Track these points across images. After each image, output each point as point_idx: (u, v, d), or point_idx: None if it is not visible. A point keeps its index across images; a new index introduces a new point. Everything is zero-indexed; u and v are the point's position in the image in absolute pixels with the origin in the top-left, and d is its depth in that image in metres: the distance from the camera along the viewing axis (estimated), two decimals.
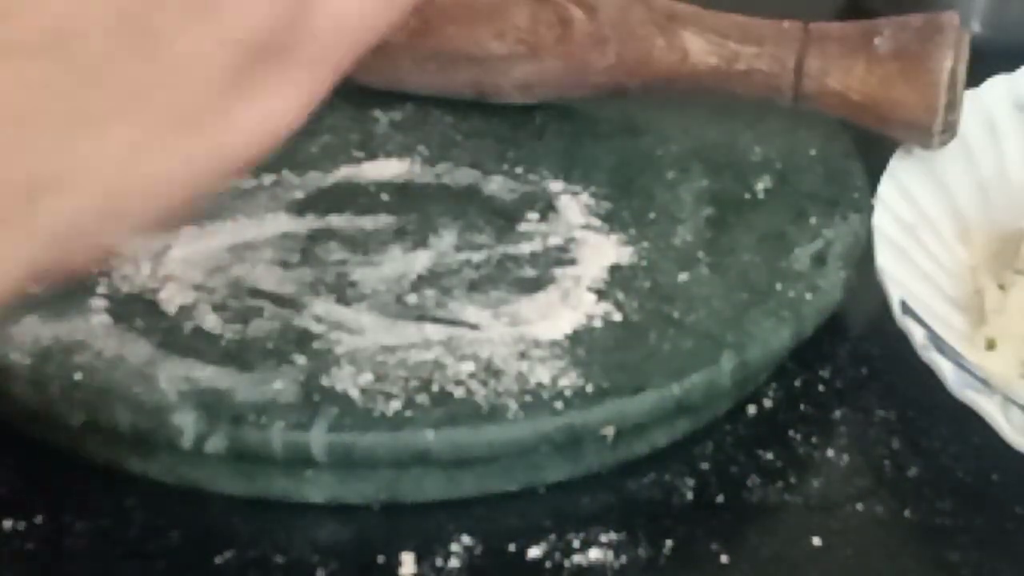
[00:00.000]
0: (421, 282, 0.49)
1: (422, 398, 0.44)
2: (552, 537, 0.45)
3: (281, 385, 0.44)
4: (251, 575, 0.44)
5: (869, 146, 0.55)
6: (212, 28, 0.31)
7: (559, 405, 0.44)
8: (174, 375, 0.44)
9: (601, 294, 0.49)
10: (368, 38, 0.33)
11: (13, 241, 0.30)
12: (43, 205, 0.30)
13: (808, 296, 0.49)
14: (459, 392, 0.44)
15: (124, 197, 0.31)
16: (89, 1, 0.30)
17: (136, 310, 0.47)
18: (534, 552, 0.45)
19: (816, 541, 0.46)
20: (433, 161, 0.54)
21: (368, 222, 0.51)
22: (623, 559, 0.45)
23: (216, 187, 0.33)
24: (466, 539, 0.45)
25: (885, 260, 0.50)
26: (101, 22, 0.30)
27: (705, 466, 0.48)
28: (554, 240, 0.51)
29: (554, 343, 0.46)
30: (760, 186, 0.54)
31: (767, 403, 0.50)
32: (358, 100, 0.56)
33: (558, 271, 0.49)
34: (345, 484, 0.45)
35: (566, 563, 0.44)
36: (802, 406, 0.50)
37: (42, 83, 0.29)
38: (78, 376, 0.44)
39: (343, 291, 0.48)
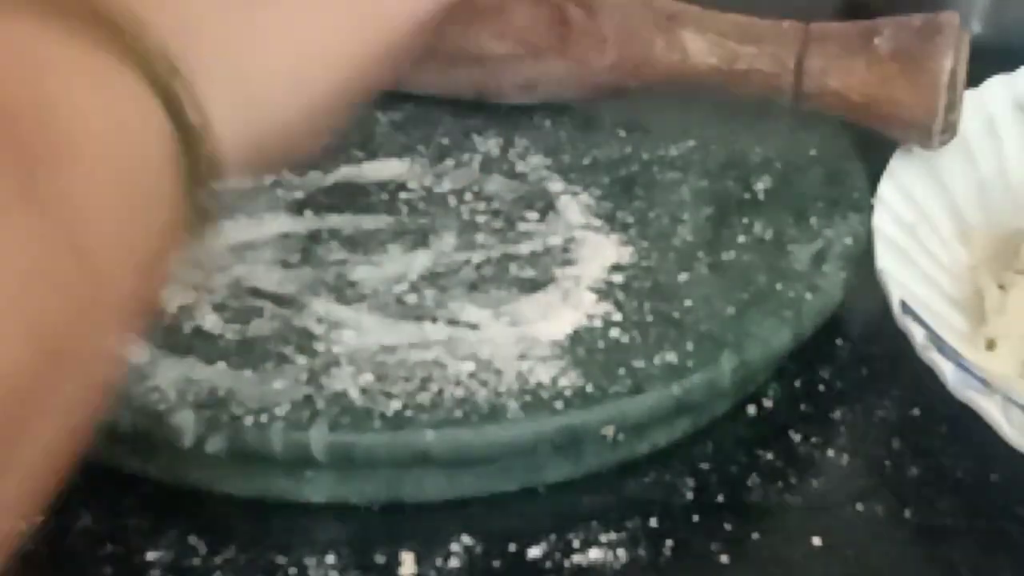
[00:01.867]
0: (421, 282, 0.49)
1: (422, 398, 0.44)
2: (552, 537, 0.45)
3: (281, 385, 0.44)
4: (251, 575, 0.44)
5: (869, 146, 0.55)
6: None
7: (559, 405, 0.44)
8: (174, 375, 0.44)
9: (601, 294, 0.49)
10: None
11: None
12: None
13: (808, 296, 0.49)
14: (459, 392, 0.44)
15: (309, 65, 0.35)
16: None
17: None
18: (534, 552, 0.45)
19: (816, 541, 0.46)
20: (433, 161, 0.54)
21: (368, 222, 0.51)
22: (623, 559, 0.45)
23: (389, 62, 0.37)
24: (466, 539, 0.45)
25: (885, 260, 0.50)
26: None
27: (705, 466, 0.48)
28: (554, 240, 0.51)
29: (554, 343, 0.46)
30: (760, 186, 0.54)
31: (767, 403, 0.50)
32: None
33: (558, 271, 0.49)
34: (345, 484, 0.45)
35: (566, 563, 0.44)
36: (802, 406, 0.50)
37: None
38: None
39: (343, 291, 0.48)
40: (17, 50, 0.31)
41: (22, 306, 0.28)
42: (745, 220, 0.52)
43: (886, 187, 0.53)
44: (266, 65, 0.35)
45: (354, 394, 0.44)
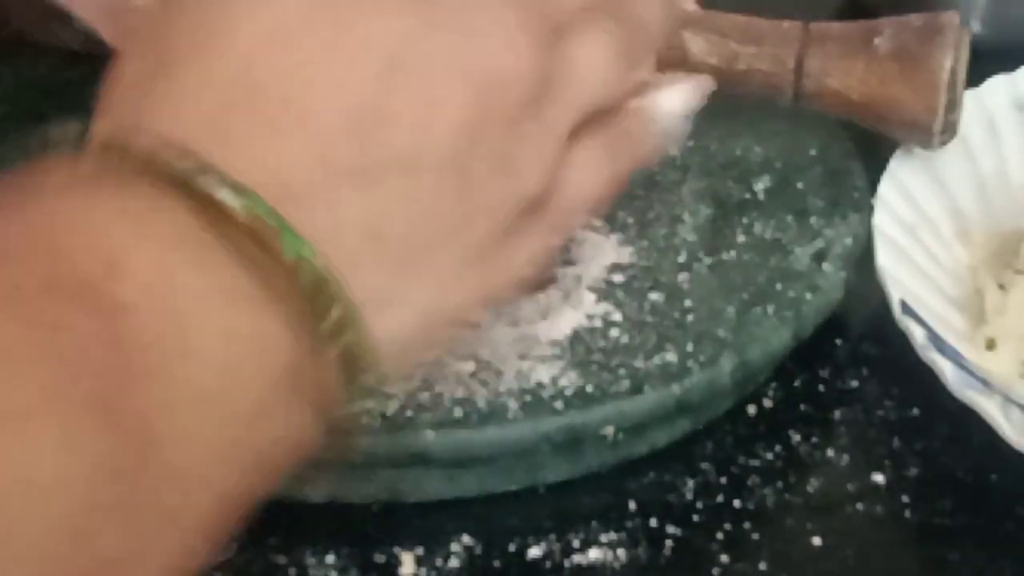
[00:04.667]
0: None
1: (422, 398, 0.44)
2: (552, 537, 0.45)
3: None
4: (251, 575, 0.44)
5: (869, 146, 0.55)
6: (510, 183, 0.35)
7: (559, 405, 0.44)
8: None
9: (601, 294, 0.49)
10: (597, 202, 0.38)
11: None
12: (382, 314, 0.33)
13: (808, 296, 0.49)
14: (459, 392, 0.44)
15: (434, 318, 0.35)
16: (430, 137, 0.33)
17: None
18: (534, 552, 0.45)
19: (816, 541, 0.46)
20: None
21: None
22: (623, 559, 0.45)
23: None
24: (466, 539, 0.45)
25: (885, 260, 0.50)
26: (436, 158, 0.33)
27: (705, 466, 0.48)
28: None
29: (554, 343, 0.46)
30: (760, 186, 0.54)
31: (767, 403, 0.50)
32: None
33: (558, 271, 0.49)
34: (345, 484, 0.45)
35: (566, 563, 0.44)
36: (802, 406, 0.50)
37: (388, 208, 0.33)
38: None
39: None
40: (153, 257, 0.30)
41: (73, 530, 0.27)
42: (745, 220, 0.52)
43: (886, 187, 0.53)
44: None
45: None
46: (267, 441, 0.32)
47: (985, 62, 0.56)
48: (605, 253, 0.50)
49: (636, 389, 0.45)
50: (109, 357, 0.28)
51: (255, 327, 0.31)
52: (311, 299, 0.31)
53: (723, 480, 0.47)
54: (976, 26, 0.65)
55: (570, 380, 0.45)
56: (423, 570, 0.44)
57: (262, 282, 0.31)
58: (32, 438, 0.26)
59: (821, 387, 0.51)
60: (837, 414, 0.50)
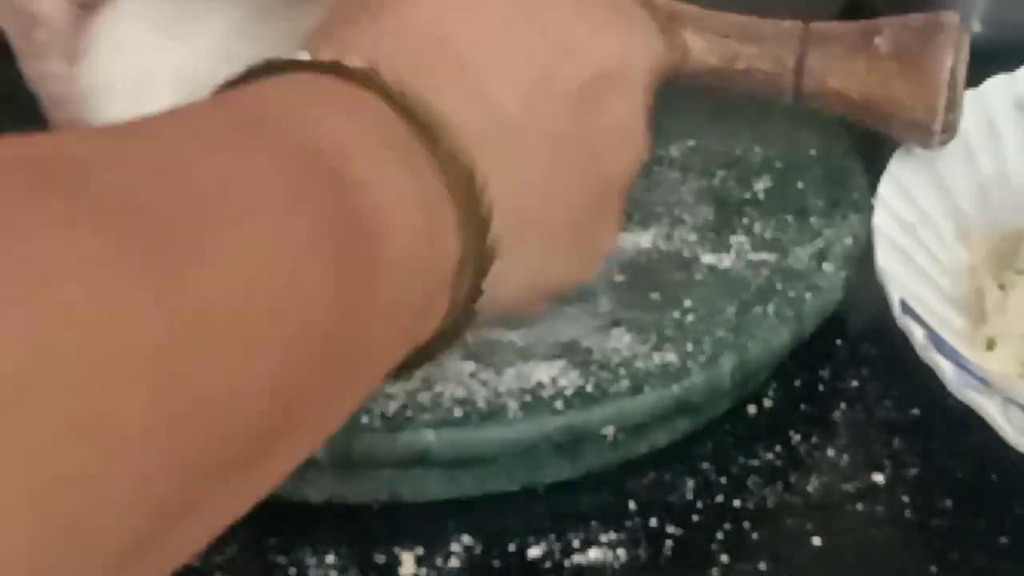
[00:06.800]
0: None
1: (422, 398, 0.44)
2: (552, 537, 0.45)
3: None
4: (251, 575, 0.44)
5: (869, 146, 0.55)
6: (635, 152, 0.42)
7: (559, 405, 0.44)
8: None
9: (601, 294, 0.49)
10: None
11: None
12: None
13: (808, 296, 0.49)
14: (459, 392, 0.44)
15: (534, 284, 0.41)
16: (582, 114, 0.40)
17: None
18: (534, 552, 0.45)
19: (816, 541, 0.46)
20: None
21: None
22: (623, 559, 0.45)
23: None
24: (466, 539, 0.45)
25: (885, 260, 0.50)
26: (583, 131, 0.40)
27: (705, 466, 0.48)
28: None
29: (554, 343, 0.46)
30: (760, 186, 0.54)
31: (767, 403, 0.50)
32: None
33: None
34: (345, 484, 0.45)
35: (566, 563, 0.44)
36: (802, 406, 0.50)
37: (531, 168, 0.39)
38: None
39: None
40: (375, 151, 0.34)
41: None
42: (745, 220, 0.52)
43: (886, 187, 0.53)
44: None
45: None
46: (420, 332, 0.37)
47: (985, 62, 0.56)
48: None
49: (636, 389, 0.45)
50: (351, 223, 0.32)
51: (437, 227, 0.36)
52: (477, 215, 0.36)
53: (723, 480, 0.47)
54: (976, 26, 0.66)
55: (570, 380, 0.45)
56: (423, 570, 0.44)
57: (450, 193, 0.36)
58: (301, 270, 0.31)
59: (821, 387, 0.51)
60: (837, 414, 0.50)
